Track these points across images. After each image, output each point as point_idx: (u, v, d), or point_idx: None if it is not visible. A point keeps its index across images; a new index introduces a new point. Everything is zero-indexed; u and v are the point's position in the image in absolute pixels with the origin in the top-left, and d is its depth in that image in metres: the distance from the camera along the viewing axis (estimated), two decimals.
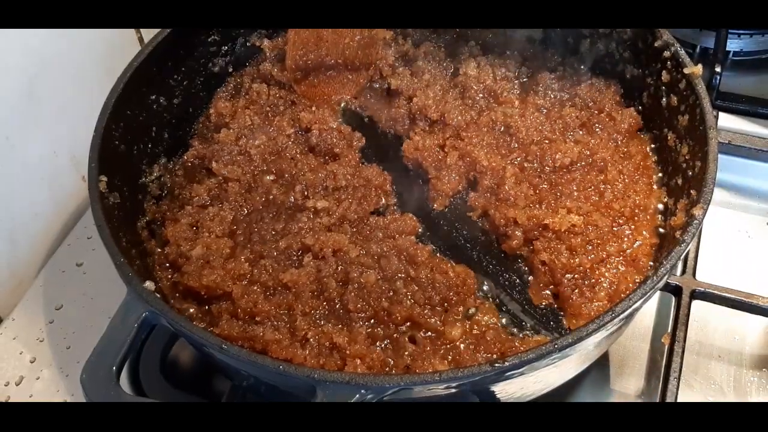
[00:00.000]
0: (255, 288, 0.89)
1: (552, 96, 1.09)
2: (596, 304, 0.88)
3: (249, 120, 1.07)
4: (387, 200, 1.02)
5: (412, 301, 0.88)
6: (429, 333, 0.87)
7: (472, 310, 0.90)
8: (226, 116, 1.09)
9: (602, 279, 0.89)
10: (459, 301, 0.89)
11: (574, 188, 0.98)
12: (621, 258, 0.91)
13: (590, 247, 0.92)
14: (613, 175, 0.98)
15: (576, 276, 0.90)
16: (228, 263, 0.91)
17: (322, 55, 1.11)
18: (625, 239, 0.93)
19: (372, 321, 0.87)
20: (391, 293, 0.88)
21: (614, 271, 0.90)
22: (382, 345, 0.86)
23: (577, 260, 0.90)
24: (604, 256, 0.91)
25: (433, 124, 1.07)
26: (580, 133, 1.04)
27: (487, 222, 0.99)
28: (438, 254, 0.96)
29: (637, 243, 0.92)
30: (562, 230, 0.92)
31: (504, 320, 0.90)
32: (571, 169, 1.00)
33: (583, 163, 1.01)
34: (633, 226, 0.94)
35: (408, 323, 0.87)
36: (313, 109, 1.09)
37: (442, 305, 0.89)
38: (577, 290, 0.89)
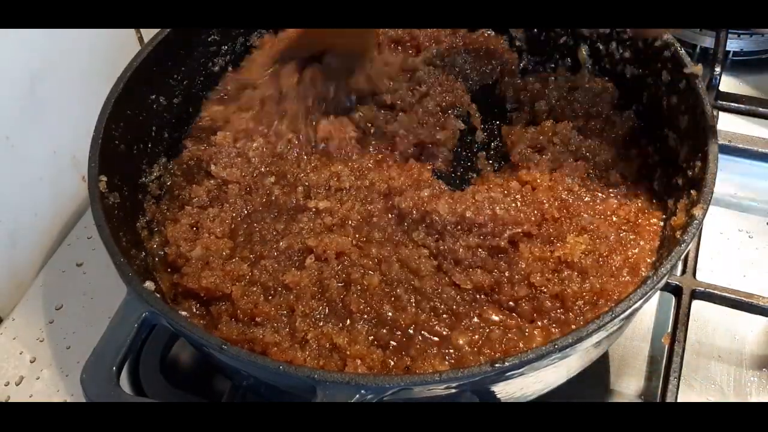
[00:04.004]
0: (255, 289, 0.89)
1: (549, 105, 1.09)
2: None
3: (244, 124, 1.06)
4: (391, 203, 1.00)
5: (417, 309, 0.87)
6: (434, 337, 0.86)
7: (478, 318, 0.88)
8: (218, 121, 1.07)
9: (610, 295, 0.87)
10: (467, 313, 0.87)
11: (582, 204, 0.96)
12: (626, 267, 0.89)
13: (601, 261, 0.89)
14: (615, 178, 0.98)
15: (583, 303, 0.87)
16: (227, 264, 0.91)
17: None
18: (629, 245, 0.91)
19: (374, 322, 0.87)
20: (394, 298, 0.88)
21: (621, 280, 0.88)
22: (383, 345, 0.86)
23: (587, 285, 0.87)
24: (613, 270, 0.89)
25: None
26: (579, 139, 1.04)
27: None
28: (444, 268, 0.92)
29: (638, 248, 0.91)
30: (575, 260, 0.89)
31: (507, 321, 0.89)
32: (578, 188, 0.98)
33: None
34: (637, 231, 0.93)
35: (413, 325, 0.87)
36: (331, 118, 1.07)
37: (449, 314, 0.88)
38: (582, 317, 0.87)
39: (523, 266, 0.90)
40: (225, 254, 0.93)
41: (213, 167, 1.01)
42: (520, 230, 0.93)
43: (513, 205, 0.95)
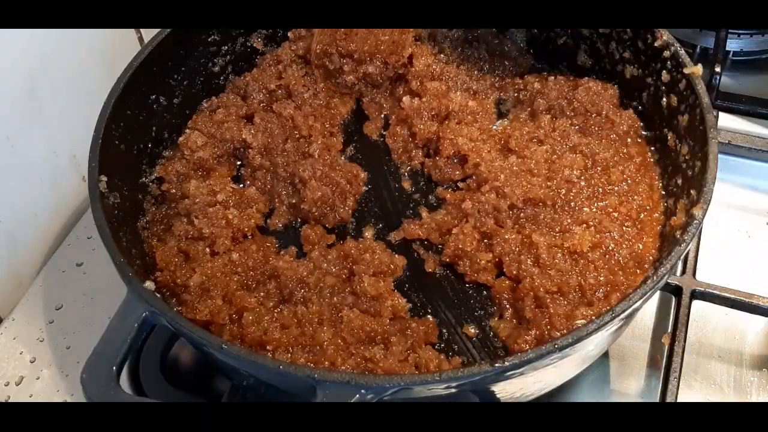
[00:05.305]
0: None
1: (548, 103, 1.09)
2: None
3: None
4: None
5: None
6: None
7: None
8: (172, 185, 1.02)
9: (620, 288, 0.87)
10: None
11: (584, 200, 0.96)
12: (633, 262, 0.90)
13: (607, 256, 0.90)
14: (617, 176, 0.98)
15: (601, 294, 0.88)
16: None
17: (350, 48, 1.10)
18: (633, 240, 0.92)
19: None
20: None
21: (629, 273, 0.89)
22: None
23: (602, 278, 0.88)
24: (621, 263, 0.89)
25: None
26: (578, 136, 1.04)
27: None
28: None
29: (642, 244, 0.92)
30: (585, 251, 0.90)
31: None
32: (577, 180, 0.99)
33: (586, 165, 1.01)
34: (638, 227, 0.94)
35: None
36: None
37: None
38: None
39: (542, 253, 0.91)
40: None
41: (195, 221, 0.96)
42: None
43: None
